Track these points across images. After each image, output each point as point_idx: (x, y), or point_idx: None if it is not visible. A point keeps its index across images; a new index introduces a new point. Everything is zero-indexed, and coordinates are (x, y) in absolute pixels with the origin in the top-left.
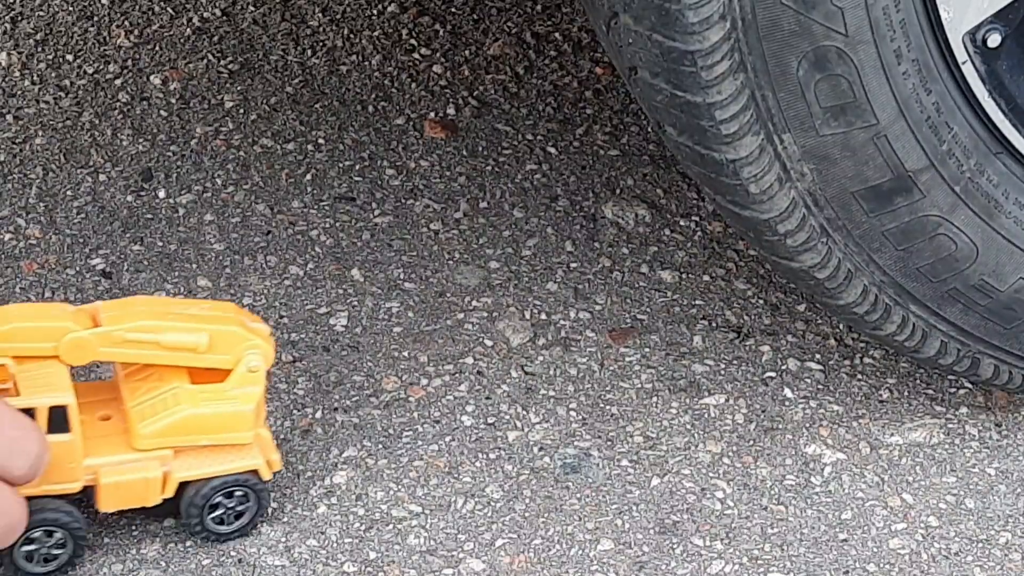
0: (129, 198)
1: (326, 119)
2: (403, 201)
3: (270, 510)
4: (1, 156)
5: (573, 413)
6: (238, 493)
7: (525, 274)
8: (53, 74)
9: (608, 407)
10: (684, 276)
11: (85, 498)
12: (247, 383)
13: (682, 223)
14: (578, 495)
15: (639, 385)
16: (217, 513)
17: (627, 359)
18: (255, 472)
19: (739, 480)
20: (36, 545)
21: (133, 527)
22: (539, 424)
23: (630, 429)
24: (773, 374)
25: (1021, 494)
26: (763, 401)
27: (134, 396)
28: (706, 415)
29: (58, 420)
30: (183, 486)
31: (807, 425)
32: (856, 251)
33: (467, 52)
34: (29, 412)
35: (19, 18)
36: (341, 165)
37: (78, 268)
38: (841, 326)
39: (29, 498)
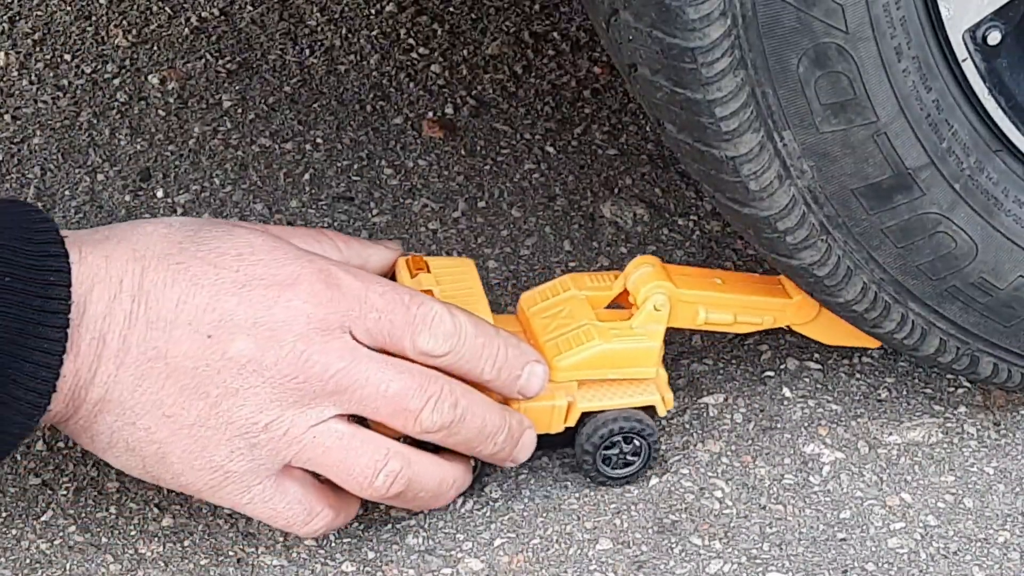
0: (127, 198)
1: (324, 119)
2: (401, 200)
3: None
4: None
5: None
6: (635, 442)
7: (523, 273)
8: (51, 74)
9: None
10: None
11: None
12: (652, 321)
13: (680, 222)
14: (577, 494)
15: None
16: (610, 452)
17: None
18: (651, 408)
19: (738, 479)
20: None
21: (132, 527)
22: None
23: None
24: (772, 373)
25: (1020, 493)
26: (762, 400)
27: (546, 331)
28: (705, 414)
29: None
30: (584, 418)
31: (806, 424)
32: (856, 248)
33: (465, 51)
34: None
35: (17, 18)
36: (339, 164)
37: None
38: None
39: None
